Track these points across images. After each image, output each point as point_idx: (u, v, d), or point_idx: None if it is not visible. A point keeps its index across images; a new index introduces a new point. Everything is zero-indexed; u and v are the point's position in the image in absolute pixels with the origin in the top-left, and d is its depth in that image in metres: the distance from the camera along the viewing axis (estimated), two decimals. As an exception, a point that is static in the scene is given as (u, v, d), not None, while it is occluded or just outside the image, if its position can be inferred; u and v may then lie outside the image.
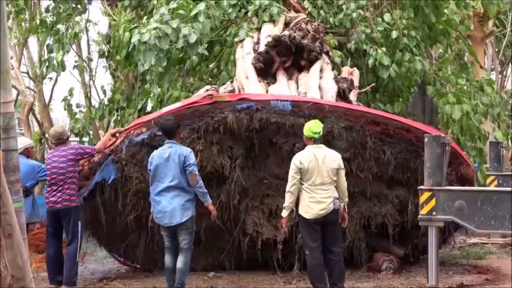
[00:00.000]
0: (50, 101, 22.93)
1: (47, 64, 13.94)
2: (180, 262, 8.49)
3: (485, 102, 13.16)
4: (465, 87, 13.41)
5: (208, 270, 10.26)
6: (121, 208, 9.78)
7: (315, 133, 8.26)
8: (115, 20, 15.15)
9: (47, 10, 15.08)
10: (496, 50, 24.33)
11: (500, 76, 25.91)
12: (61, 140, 9.38)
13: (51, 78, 22.30)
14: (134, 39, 11.71)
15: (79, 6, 14.64)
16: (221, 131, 9.69)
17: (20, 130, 20.55)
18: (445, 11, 14.09)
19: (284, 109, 9.74)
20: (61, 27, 14.19)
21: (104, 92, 18.57)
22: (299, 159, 8.25)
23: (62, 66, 13.99)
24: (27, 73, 22.01)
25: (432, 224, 6.93)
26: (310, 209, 8.16)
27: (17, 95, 20.10)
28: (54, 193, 9.11)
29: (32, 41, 21.73)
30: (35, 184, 9.79)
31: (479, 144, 13.23)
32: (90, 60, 20.33)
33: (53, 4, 14.75)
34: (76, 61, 18.25)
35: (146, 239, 10.10)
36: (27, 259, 4.59)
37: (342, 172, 8.34)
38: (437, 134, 7.93)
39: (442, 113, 13.34)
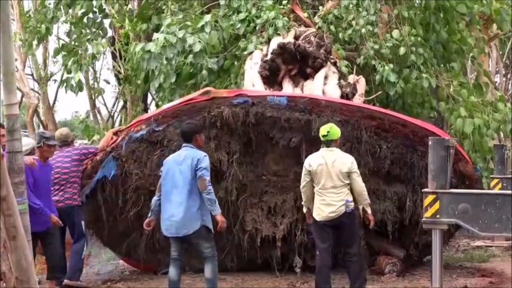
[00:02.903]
0: (54, 103, 23.03)
1: (65, 84, 14.04)
2: (207, 271, 8.07)
3: (497, 118, 13.10)
4: (476, 102, 13.34)
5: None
6: (122, 205, 9.84)
7: (322, 136, 8.39)
8: (119, 22, 15.23)
9: (68, 36, 15.27)
10: (501, 52, 24.30)
11: (504, 79, 25.89)
12: (65, 142, 9.57)
13: (55, 81, 22.40)
14: (138, 48, 11.85)
15: (100, 31, 14.79)
16: (218, 126, 9.79)
17: (25, 132, 20.60)
18: (457, 26, 14.03)
19: (280, 103, 9.81)
20: (80, 48, 14.36)
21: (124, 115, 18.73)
22: (309, 161, 8.43)
23: (79, 87, 14.17)
24: (32, 75, 22.07)
25: (436, 227, 6.93)
26: (321, 211, 8.31)
27: (22, 97, 20.13)
28: (57, 192, 9.23)
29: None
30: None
31: (492, 165, 13.16)
32: (107, 83, 20.53)
33: (73, 29, 14.98)
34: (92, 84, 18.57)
35: (148, 237, 10.15)
36: (32, 261, 4.60)
37: (355, 176, 8.36)
38: (442, 137, 7.93)
39: (454, 129, 13.22)
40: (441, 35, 13.38)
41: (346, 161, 8.38)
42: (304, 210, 8.74)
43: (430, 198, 6.96)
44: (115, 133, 10.17)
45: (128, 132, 10.01)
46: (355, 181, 8.36)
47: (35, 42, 15.62)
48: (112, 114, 21.95)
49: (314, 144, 9.85)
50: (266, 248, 10.18)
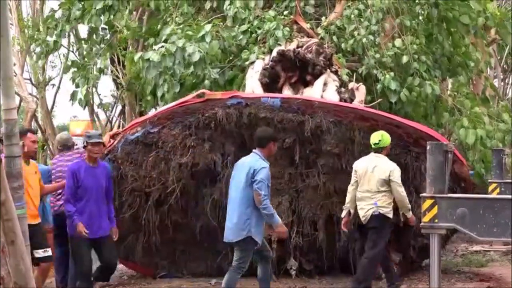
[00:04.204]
0: (52, 107, 23.01)
1: (72, 98, 14.17)
2: (224, 279, 8.10)
3: (502, 129, 13.10)
4: (480, 113, 13.34)
5: (208, 274, 10.29)
6: (118, 207, 9.84)
7: (374, 143, 8.83)
8: (128, 38, 15.31)
9: (79, 53, 15.37)
10: (499, 57, 24.31)
11: (502, 83, 25.90)
12: (66, 146, 9.65)
13: (53, 85, 22.40)
14: (137, 57, 11.93)
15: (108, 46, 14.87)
16: (212, 127, 9.84)
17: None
18: (463, 41, 14.06)
19: (273, 105, 9.85)
20: (89, 64, 14.49)
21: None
22: (356, 163, 8.95)
23: (86, 101, 14.30)
24: (30, 79, 22.03)
25: (434, 232, 6.93)
26: (358, 214, 8.78)
27: (20, 101, 20.12)
28: (59, 196, 9.28)
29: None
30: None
31: None
32: (115, 98, 20.60)
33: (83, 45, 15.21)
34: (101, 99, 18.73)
35: (144, 240, 10.14)
36: (30, 266, 4.60)
37: (393, 184, 8.66)
38: (440, 142, 7.93)
39: (458, 140, 13.21)
40: (445, 48, 13.41)
41: (386, 169, 8.66)
42: (343, 214, 9.01)
43: (428, 202, 6.95)
44: (112, 136, 10.20)
45: (124, 134, 10.05)
46: (394, 189, 8.65)
47: (43, 55, 15.67)
48: (110, 119, 21.94)
49: (308, 145, 9.89)
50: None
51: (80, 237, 8.32)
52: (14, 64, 18.31)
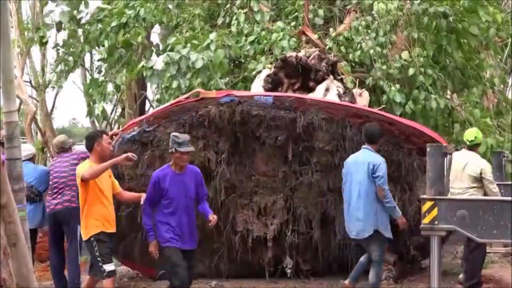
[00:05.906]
0: (52, 110, 23.01)
1: (90, 113, 14.37)
2: (370, 275, 8.42)
3: None
4: (490, 123, 13.35)
5: (206, 275, 10.28)
6: (115, 206, 9.80)
7: (469, 141, 9.03)
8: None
9: (99, 71, 15.54)
10: (498, 59, 24.26)
11: (502, 86, 25.85)
12: (63, 149, 9.63)
13: (53, 88, 22.40)
14: (140, 65, 11.96)
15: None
16: (206, 125, 9.88)
17: (23, 139, 20.58)
18: (477, 55, 14.08)
19: (266, 102, 9.90)
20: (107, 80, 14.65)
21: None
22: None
23: (103, 116, 14.60)
24: (30, 82, 22.04)
25: (434, 234, 6.96)
26: None
27: (20, 104, 20.13)
28: (55, 195, 9.28)
29: (35, 51, 21.84)
30: (46, 188, 9.87)
31: None
32: (122, 108, 20.69)
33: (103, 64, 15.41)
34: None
35: (141, 240, 10.13)
36: (32, 268, 4.61)
37: (486, 182, 8.81)
38: (440, 144, 7.95)
39: None
40: (458, 59, 13.42)
41: (477, 167, 8.82)
42: None
43: (428, 204, 6.98)
44: (111, 137, 10.19)
45: (121, 134, 10.10)
46: (486, 187, 8.80)
47: (63, 74, 15.76)
48: (110, 121, 21.93)
49: (300, 142, 9.91)
50: (262, 252, 10.20)
51: (173, 245, 7.79)
52: (15, 67, 18.33)
